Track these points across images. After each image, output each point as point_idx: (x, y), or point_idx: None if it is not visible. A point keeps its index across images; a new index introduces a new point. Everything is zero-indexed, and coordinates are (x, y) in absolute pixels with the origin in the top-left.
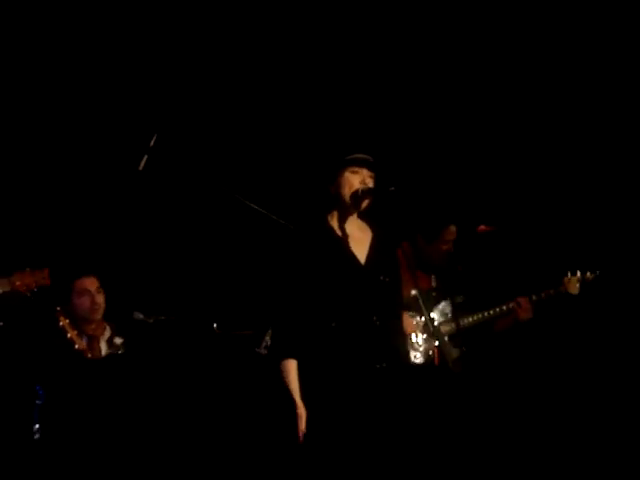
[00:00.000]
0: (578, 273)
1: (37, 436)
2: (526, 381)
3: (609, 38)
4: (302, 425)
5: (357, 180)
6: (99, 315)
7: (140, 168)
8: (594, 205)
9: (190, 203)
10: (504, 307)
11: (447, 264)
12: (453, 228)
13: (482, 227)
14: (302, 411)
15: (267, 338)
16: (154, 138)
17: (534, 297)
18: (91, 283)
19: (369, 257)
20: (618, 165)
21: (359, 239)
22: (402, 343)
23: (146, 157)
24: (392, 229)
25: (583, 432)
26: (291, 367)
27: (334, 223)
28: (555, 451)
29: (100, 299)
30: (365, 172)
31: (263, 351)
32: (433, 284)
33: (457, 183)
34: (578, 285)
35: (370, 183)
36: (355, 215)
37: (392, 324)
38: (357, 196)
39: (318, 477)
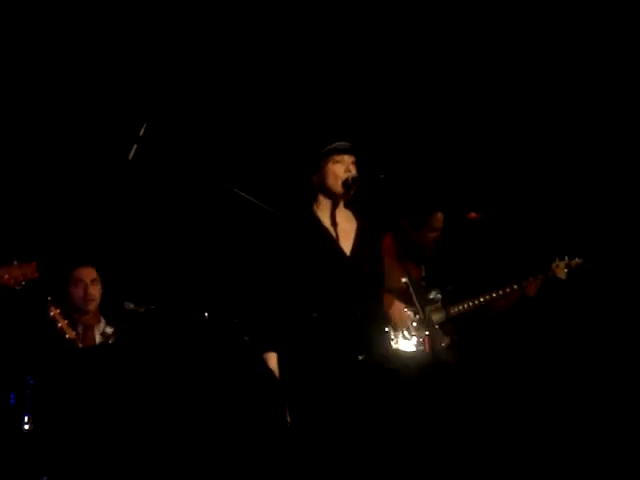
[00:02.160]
0: (566, 258)
1: (27, 427)
2: (518, 370)
3: (609, 34)
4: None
5: (341, 169)
6: (91, 306)
7: (130, 157)
8: (580, 191)
9: (179, 192)
10: (494, 294)
11: (436, 252)
12: (440, 215)
13: (472, 214)
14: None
15: None
16: (143, 127)
17: (524, 283)
18: (87, 274)
19: (354, 248)
20: (604, 152)
21: (345, 230)
22: (383, 334)
23: (135, 146)
24: (378, 218)
25: (575, 423)
26: (271, 360)
27: (320, 213)
28: (546, 444)
29: (94, 290)
30: (347, 159)
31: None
32: (423, 273)
33: (445, 170)
34: (566, 270)
35: (353, 170)
36: (341, 204)
37: (373, 315)
38: (347, 184)
39: (302, 467)
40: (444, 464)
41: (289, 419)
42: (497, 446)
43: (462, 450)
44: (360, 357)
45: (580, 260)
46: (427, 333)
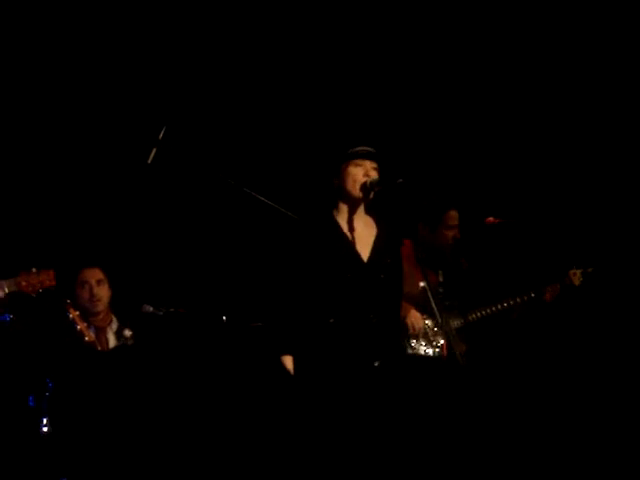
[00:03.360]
0: (582, 267)
1: (46, 429)
2: (529, 376)
3: (609, 30)
4: None
5: (361, 173)
6: (98, 307)
7: (149, 161)
8: (595, 199)
9: (198, 195)
10: (511, 302)
11: (453, 255)
12: (454, 212)
13: (490, 219)
14: None
15: None
16: (163, 131)
17: (542, 290)
18: (92, 275)
19: (372, 255)
20: (620, 158)
21: (363, 236)
22: (400, 341)
23: (155, 150)
24: (398, 223)
25: (586, 426)
26: (287, 363)
27: (339, 217)
28: (557, 448)
29: (100, 291)
30: (368, 164)
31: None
32: (440, 279)
33: (464, 175)
34: (581, 279)
35: (374, 174)
36: (362, 209)
37: (390, 322)
38: (366, 188)
39: (317, 473)
40: (458, 467)
41: (303, 421)
42: (508, 449)
43: (475, 453)
44: (375, 364)
45: (592, 269)
46: (444, 340)
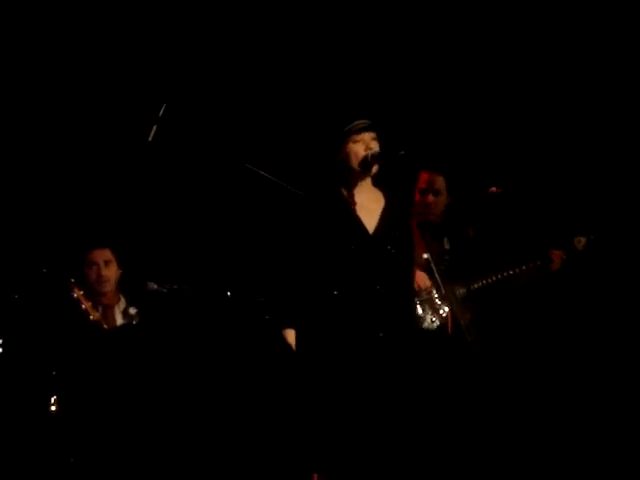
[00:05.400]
0: (587, 235)
1: (54, 408)
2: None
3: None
4: None
5: (361, 148)
6: (106, 288)
7: (149, 139)
8: (597, 168)
9: (201, 172)
10: (517, 270)
11: (455, 224)
12: (426, 175)
13: (492, 189)
14: None
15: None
16: (163, 108)
17: (547, 258)
18: (100, 255)
19: (378, 227)
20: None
21: (370, 209)
22: (409, 312)
23: (155, 127)
24: (405, 195)
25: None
26: (289, 336)
27: (345, 192)
28: (562, 429)
29: (108, 272)
30: (367, 136)
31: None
32: (446, 246)
33: (465, 145)
34: (585, 245)
35: (375, 146)
36: (368, 183)
37: (398, 294)
38: (367, 162)
39: (322, 444)
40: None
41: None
42: (512, 430)
43: (476, 431)
44: (381, 334)
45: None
46: (448, 309)
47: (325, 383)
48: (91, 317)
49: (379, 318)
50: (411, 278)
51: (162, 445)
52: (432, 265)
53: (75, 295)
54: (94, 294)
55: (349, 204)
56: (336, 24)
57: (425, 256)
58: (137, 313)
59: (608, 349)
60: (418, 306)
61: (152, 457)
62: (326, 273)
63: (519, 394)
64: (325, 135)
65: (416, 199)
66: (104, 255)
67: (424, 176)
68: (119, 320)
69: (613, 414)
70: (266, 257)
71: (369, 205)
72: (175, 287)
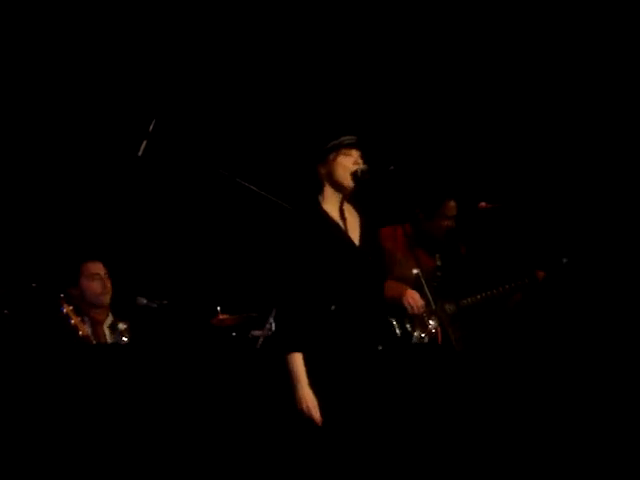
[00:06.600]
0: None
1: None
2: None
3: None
4: (316, 414)
5: (350, 162)
6: (107, 300)
7: (139, 153)
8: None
9: (190, 187)
10: (506, 286)
11: (448, 241)
12: (452, 203)
13: (483, 204)
14: (313, 401)
15: (271, 319)
16: (153, 123)
17: (536, 276)
18: (99, 267)
19: (362, 240)
20: (616, 143)
21: (351, 222)
22: (391, 323)
23: (145, 142)
24: (377, 210)
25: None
26: (298, 360)
27: (327, 206)
28: (554, 435)
29: (109, 284)
30: (355, 153)
31: (257, 332)
32: (438, 263)
33: (456, 160)
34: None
35: (362, 163)
36: (346, 197)
37: (382, 305)
38: (357, 177)
39: (331, 462)
40: (456, 455)
41: (319, 417)
42: (506, 439)
43: (471, 442)
44: (380, 347)
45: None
46: (439, 324)
47: (335, 402)
48: (80, 333)
49: (377, 331)
50: (382, 290)
51: (152, 459)
52: (422, 280)
53: (64, 310)
54: (88, 308)
55: (334, 218)
56: (323, 38)
57: (415, 272)
58: (127, 329)
59: (597, 362)
60: (407, 324)
61: (141, 472)
62: (322, 290)
63: (512, 402)
64: (311, 147)
65: (440, 224)
66: (102, 267)
67: (453, 204)
68: (108, 335)
69: (608, 424)
70: (260, 274)
71: (349, 218)
72: (165, 302)
